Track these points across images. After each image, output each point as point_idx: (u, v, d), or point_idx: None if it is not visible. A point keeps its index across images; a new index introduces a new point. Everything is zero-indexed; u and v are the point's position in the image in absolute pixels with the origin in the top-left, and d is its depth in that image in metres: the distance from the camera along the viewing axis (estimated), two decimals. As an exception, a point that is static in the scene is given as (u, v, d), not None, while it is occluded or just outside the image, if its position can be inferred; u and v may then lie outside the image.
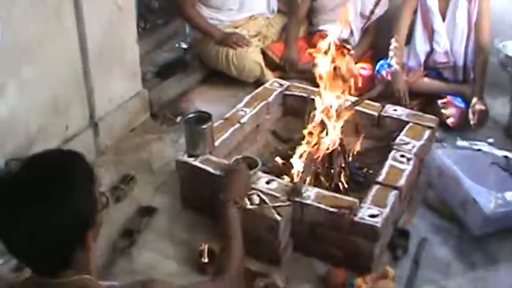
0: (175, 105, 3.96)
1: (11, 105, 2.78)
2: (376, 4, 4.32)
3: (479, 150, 3.55)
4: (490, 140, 3.60)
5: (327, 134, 2.84)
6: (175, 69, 4.27)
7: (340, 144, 2.90)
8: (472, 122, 3.67)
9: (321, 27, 4.39)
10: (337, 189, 2.80)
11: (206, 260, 2.59)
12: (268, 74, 4.07)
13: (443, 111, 3.75)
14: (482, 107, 3.69)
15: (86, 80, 3.22)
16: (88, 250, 1.42)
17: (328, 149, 2.83)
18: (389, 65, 3.87)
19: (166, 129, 3.70)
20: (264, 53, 4.21)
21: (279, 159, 3.04)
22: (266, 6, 4.41)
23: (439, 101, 3.81)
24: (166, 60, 4.41)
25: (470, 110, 3.70)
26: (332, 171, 2.86)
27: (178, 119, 3.77)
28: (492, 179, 3.01)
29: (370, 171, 3.00)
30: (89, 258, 1.47)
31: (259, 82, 3.91)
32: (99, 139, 3.36)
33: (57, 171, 1.38)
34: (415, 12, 3.96)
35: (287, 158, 3.03)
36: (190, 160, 2.76)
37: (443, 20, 3.91)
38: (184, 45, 4.61)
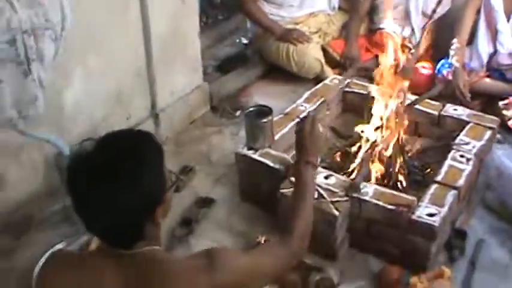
0: (235, 99, 4.01)
1: (77, 93, 2.89)
2: (439, 3, 4.27)
3: (541, 151, 3.50)
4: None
5: (386, 132, 2.85)
6: (235, 63, 4.33)
7: (400, 143, 2.90)
8: None
9: (382, 25, 4.37)
10: (395, 188, 2.80)
11: (263, 252, 2.63)
12: (328, 70, 4.09)
13: (504, 112, 3.69)
14: None
15: (149, 72, 3.30)
16: (157, 225, 1.49)
17: (387, 146, 2.83)
18: (450, 65, 3.83)
19: (225, 122, 3.76)
20: (324, 49, 4.23)
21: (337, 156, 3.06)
22: (327, 3, 4.42)
23: (501, 102, 3.75)
24: (227, 54, 4.47)
25: None
26: (391, 169, 2.86)
27: (238, 112, 3.83)
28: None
29: (429, 171, 2.99)
30: (159, 233, 1.56)
31: (318, 79, 3.93)
32: (159, 130, 3.44)
33: (129, 150, 1.44)
34: (478, 11, 3.91)
35: (346, 154, 3.06)
36: (250, 153, 2.81)
37: (508, 20, 3.84)
38: (245, 41, 4.67)
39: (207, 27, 4.59)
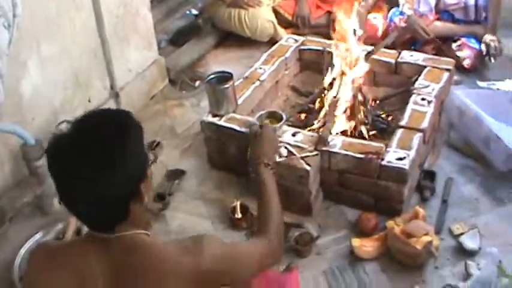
0: (192, 70, 4.00)
1: (34, 81, 2.83)
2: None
3: (498, 89, 3.58)
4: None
5: (345, 85, 2.87)
6: (188, 35, 4.30)
7: (361, 93, 2.93)
8: (485, 54, 3.69)
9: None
10: (361, 137, 2.84)
11: (239, 216, 2.66)
12: (282, 31, 4.10)
13: (458, 53, 3.76)
14: (494, 37, 3.72)
15: (104, 52, 3.26)
16: (142, 202, 1.47)
17: (349, 98, 2.86)
18: (401, 12, 3.87)
19: (185, 94, 3.75)
20: (275, 11, 4.22)
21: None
22: (274, -35, 4.39)
23: (454, 44, 3.81)
24: (179, 27, 4.43)
25: (483, 45, 3.71)
26: (355, 120, 2.89)
27: (197, 83, 3.82)
28: (512, 116, 3.05)
29: (392, 117, 3.03)
30: (146, 216, 1.55)
31: (273, 41, 3.93)
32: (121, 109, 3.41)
33: (109, 129, 1.42)
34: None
35: (308, 111, 3.08)
36: (215, 120, 2.81)
37: (451, -39, 3.89)
38: (195, 11, 4.63)
39: (156, 1, 4.53)
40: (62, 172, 1.40)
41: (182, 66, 3.99)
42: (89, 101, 3.21)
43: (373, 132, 2.92)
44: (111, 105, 3.35)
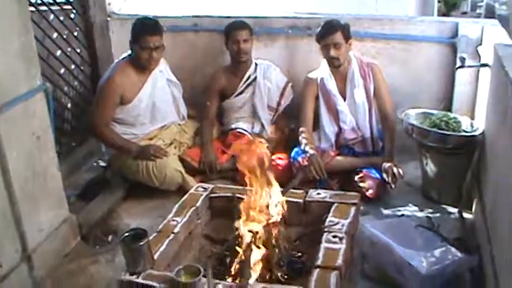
0: (105, 224, 3.95)
1: None
2: (281, 95, 4.55)
3: (402, 215, 3.74)
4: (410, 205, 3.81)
5: (258, 230, 2.92)
6: (97, 188, 4.30)
7: (274, 237, 2.98)
8: (387, 181, 3.88)
9: (233, 126, 4.56)
10: (279, 281, 2.86)
11: None
12: (190, 179, 4.16)
13: (361, 185, 3.94)
14: (392, 164, 3.92)
15: (14, 215, 3.18)
16: None
17: (262, 244, 2.90)
18: (304, 151, 4.03)
19: (99, 250, 3.67)
20: (182, 160, 4.31)
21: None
22: (176, 114, 4.54)
23: (356, 176, 3.99)
24: (87, 180, 4.43)
25: (384, 174, 3.90)
26: (271, 264, 2.92)
27: (110, 237, 3.77)
28: (420, 240, 3.17)
29: (307, 257, 3.07)
30: None
31: (181, 189, 3.99)
32: (34, 272, 3.30)
33: None
34: (317, 98, 4.19)
35: (224, 259, 3.09)
36: (133, 278, 2.75)
37: (344, 99, 4.15)
38: (102, 163, 4.65)
39: (62, 156, 4.53)
40: None
41: (94, 221, 3.93)
42: (1, 266, 3.10)
43: (289, 274, 2.94)
44: (24, 268, 3.23)
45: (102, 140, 4.40)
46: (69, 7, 4.61)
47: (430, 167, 3.94)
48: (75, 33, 4.66)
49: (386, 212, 3.80)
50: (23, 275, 3.21)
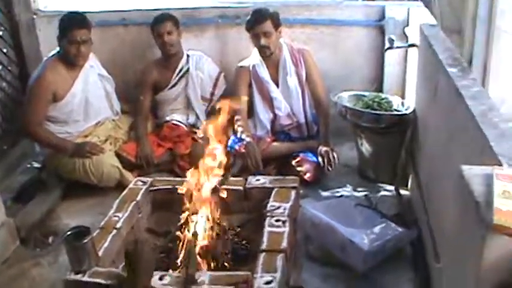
0: (44, 226, 3.85)
1: None
2: (214, 86, 4.55)
3: (341, 196, 3.82)
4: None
5: (200, 220, 2.94)
6: (33, 190, 4.19)
7: (217, 225, 3.00)
8: (323, 165, 3.94)
9: (168, 118, 4.53)
10: (224, 268, 2.88)
11: None
12: (128, 174, 4.11)
13: (299, 169, 3.99)
14: (327, 148, 3.99)
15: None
16: None
17: (207, 234, 2.92)
18: (240, 139, 4.06)
19: (40, 252, 3.59)
20: (118, 155, 4.25)
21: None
22: (110, 110, 4.48)
23: (294, 161, 4.04)
24: (22, 183, 4.31)
25: (319, 157, 3.97)
26: (216, 252, 2.94)
27: (50, 239, 3.69)
28: (360, 218, 3.26)
29: (251, 243, 3.11)
30: None
31: (120, 185, 3.95)
32: (-28, 283, 3.22)
33: None
34: (250, 85, 4.21)
35: (169, 251, 3.09)
36: (79, 277, 2.72)
37: (277, 86, 4.19)
38: (37, 164, 4.55)
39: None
40: None
41: (32, 224, 3.83)
42: None
43: (235, 260, 2.97)
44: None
45: (36, 139, 4.32)
46: (-8, 6, 4.48)
47: (366, 147, 4.03)
48: (0, 33, 4.52)
49: (325, 194, 3.87)
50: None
